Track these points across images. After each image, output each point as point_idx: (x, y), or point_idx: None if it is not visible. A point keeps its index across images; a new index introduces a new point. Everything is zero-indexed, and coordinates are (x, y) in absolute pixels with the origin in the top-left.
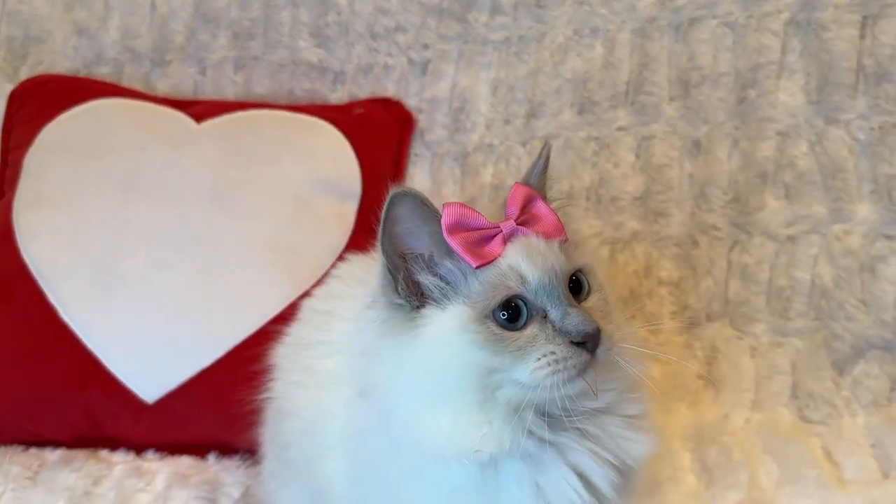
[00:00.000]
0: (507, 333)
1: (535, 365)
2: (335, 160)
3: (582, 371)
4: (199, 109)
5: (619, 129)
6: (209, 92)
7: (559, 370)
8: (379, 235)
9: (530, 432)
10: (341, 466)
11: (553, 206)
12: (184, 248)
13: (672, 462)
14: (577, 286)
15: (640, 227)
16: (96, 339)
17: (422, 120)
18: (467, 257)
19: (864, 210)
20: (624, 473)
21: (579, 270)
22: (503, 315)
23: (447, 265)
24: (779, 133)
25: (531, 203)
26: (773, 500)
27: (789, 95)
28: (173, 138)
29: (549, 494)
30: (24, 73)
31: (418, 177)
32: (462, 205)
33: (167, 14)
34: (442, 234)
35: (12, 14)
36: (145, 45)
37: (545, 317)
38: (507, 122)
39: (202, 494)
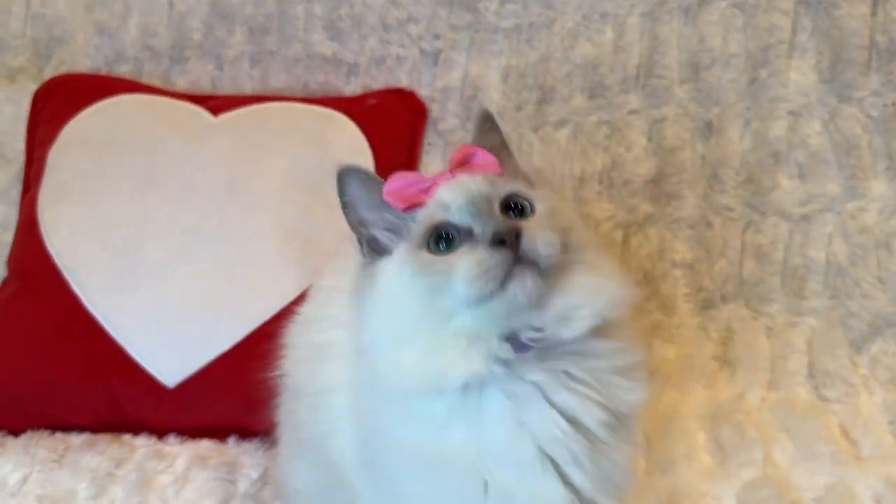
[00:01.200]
0: (438, 258)
1: (462, 274)
2: (349, 150)
3: (509, 270)
4: (217, 103)
5: (631, 112)
6: (227, 87)
7: (483, 273)
8: (341, 207)
9: (503, 361)
10: (350, 439)
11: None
12: (201, 237)
13: (686, 441)
14: (519, 212)
15: (653, 210)
16: (118, 326)
17: (434, 109)
18: (397, 203)
19: (879, 187)
20: (617, 417)
21: (515, 194)
22: (433, 242)
23: (391, 219)
24: (791, 112)
25: (472, 156)
26: (787, 476)
27: (801, 74)
28: (191, 132)
29: (533, 431)
30: (48, 74)
31: (432, 165)
32: (407, 172)
33: (185, 12)
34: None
35: (36, 17)
36: (164, 42)
37: (472, 234)
38: (518, 108)
39: (221, 475)
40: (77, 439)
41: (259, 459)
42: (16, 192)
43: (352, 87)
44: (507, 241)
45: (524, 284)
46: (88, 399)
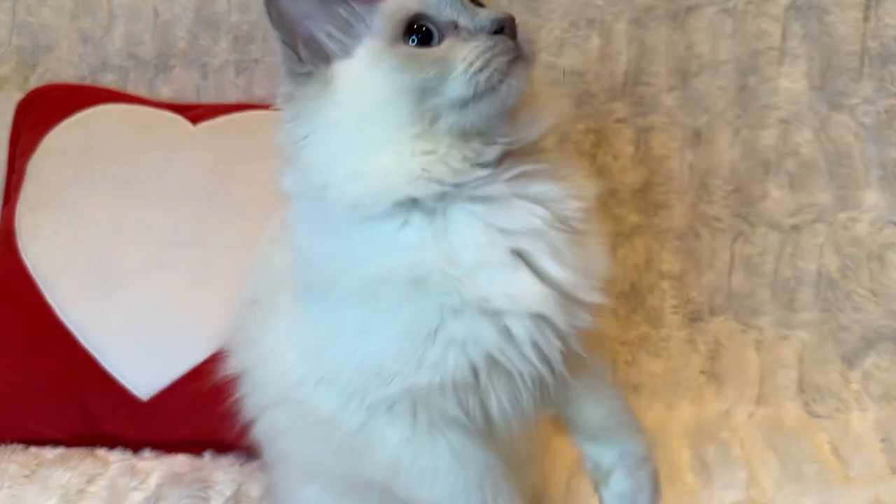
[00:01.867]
0: (424, 50)
1: (463, 66)
2: None
3: (513, 61)
4: (198, 112)
5: (618, 120)
6: (212, 96)
7: (489, 61)
8: (265, 9)
9: (483, 165)
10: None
11: None
12: (178, 246)
13: (670, 460)
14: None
15: (640, 220)
16: (92, 337)
17: None
18: None
19: (872, 197)
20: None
21: None
22: (414, 39)
23: (341, 13)
24: (781, 120)
25: None
26: (772, 499)
27: (791, 82)
28: (169, 140)
29: (510, 229)
30: (34, 82)
31: None
32: None
33: (169, 20)
34: None
35: (22, 25)
36: (149, 51)
37: (457, 27)
38: None
39: (194, 493)
40: (50, 454)
41: (233, 475)
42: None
43: None
44: (507, 31)
45: (520, 81)
46: (62, 412)
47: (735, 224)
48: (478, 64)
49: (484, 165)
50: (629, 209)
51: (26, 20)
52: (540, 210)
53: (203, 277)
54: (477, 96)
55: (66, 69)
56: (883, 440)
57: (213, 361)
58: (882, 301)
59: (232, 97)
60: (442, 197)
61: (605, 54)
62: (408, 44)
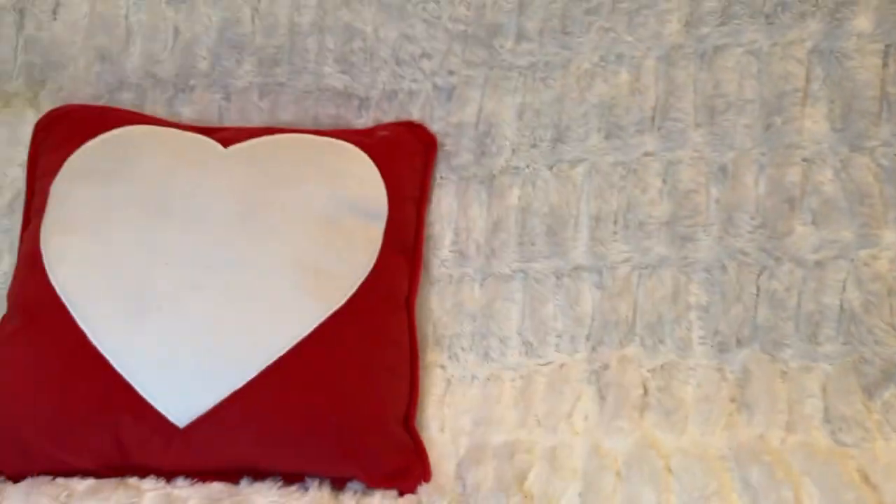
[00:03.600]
0: None
1: None
2: (361, 182)
3: None
4: (226, 135)
5: (646, 154)
6: (234, 118)
7: None
8: None
9: None
10: None
11: None
12: (213, 269)
13: (716, 479)
14: None
15: (667, 252)
16: (126, 362)
17: (448, 144)
18: None
19: (891, 235)
20: None
21: None
22: None
23: None
24: (805, 159)
25: None
26: None
27: (814, 122)
28: (200, 162)
29: None
30: (45, 98)
31: (445, 199)
32: None
33: (191, 39)
34: None
35: (29, 41)
36: (168, 70)
37: None
38: (533, 145)
39: None
40: (80, 485)
41: (273, 497)
42: (8, 222)
43: (363, 121)
44: None
45: None
46: (94, 440)
47: (761, 258)
48: None
49: None
50: (657, 241)
51: (35, 35)
52: None
53: (238, 300)
54: None
55: (80, 87)
56: None
57: (250, 387)
58: None
59: (255, 120)
60: None
61: (634, 89)
62: None
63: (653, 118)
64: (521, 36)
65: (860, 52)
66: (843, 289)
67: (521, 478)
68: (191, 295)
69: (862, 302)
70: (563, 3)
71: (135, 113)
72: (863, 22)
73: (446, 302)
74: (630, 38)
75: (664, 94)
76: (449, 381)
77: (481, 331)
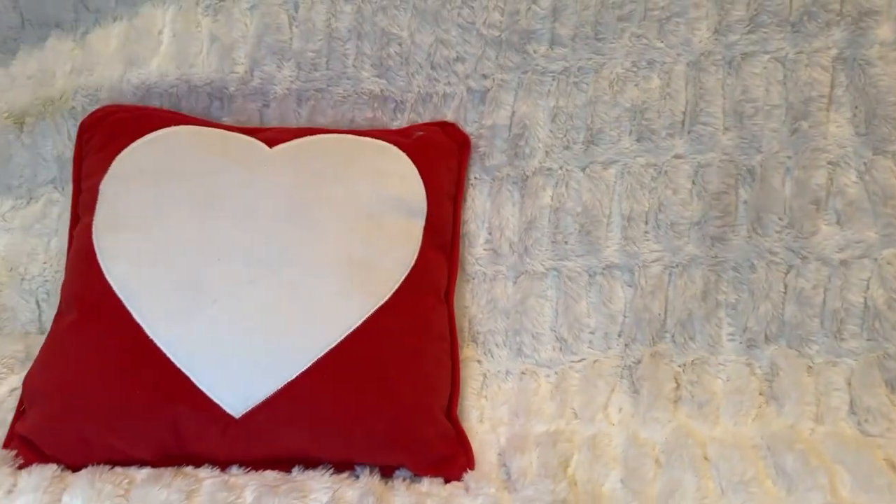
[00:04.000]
0: None
1: None
2: (402, 179)
3: None
4: (269, 135)
5: (677, 156)
6: (273, 124)
7: None
8: None
9: None
10: None
11: None
12: (264, 264)
13: (752, 465)
14: None
15: (698, 252)
16: (182, 354)
17: (481, 146)
18: None
19: None
20: None
21: None
22: None
23: None
24: (830, 162)
25: None
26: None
27: (838, 127)
28: (247, 161)
29: None
30: (79, 106)
31: (479, 199)
32: None
33: (228, 45)
34: None
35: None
36: (203, 77)
37: None
38: (566, 147)
39: (291, 501)
40: (139, 474)
41: (327, 483)
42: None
43: (398, 123)
44: None
45: None
46: (153, 430)
47: (788, 258)
48: None
49: None
50: (687, 241)
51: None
52: None
53: (290, 294)
54: None
55: (114, 97)
56: None
57: (303, 378)
58: None
59: (294, 125)
60: None
61: (665, 93)
62: None
63: (683, 122)
64: (554, 41)
65: (883, 60)
66: (867, 287)
67: (565, 465)
68: (244, 289)
69: (885, 300)
70: (595, 10)
71: (177, 113)
72: (885, 31)
73: (481, 299)
74: (661, 45)
75: (694, 99)
76: (485, 375)
77: (514, 327)
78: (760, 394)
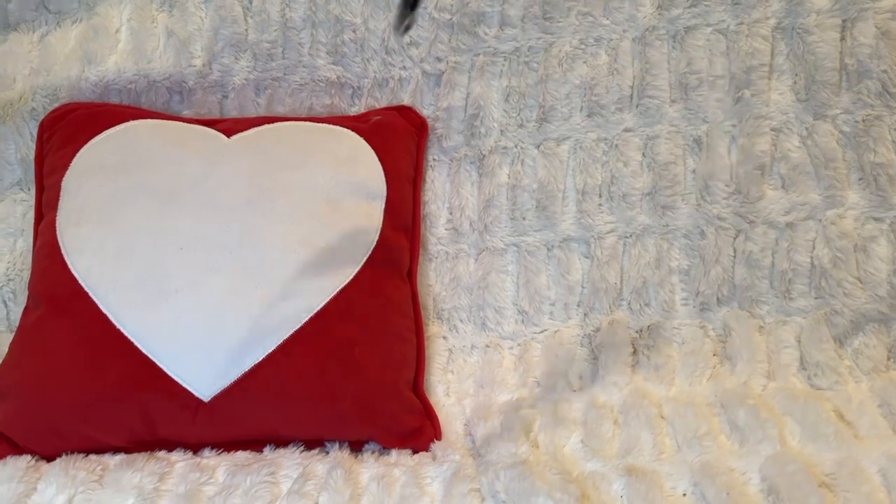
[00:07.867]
0: None
1: None
2: (360, 164)
3: None
4: (227, 126)
5: (626, 130)
6: (232, 115)
7: None
8: None
9: None
10: None
11: None
12: (227, 251)
13: (706, 422)
14: None
15: (650, 221)
16: (150, 343)
17: (438, 128)
18: None
19: (854, 196)
20: None
21: None
22: None
23: None
24: (773, 129)
25: None
26: (800, 452)
27: (780, 94)
28: (206, 152)
29: None
30: (39, 107)
31: (438, 180)
32: None
33: (185, 39)
34: None
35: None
36: (162, 72)
37: None
38: (520, 126)
39: (263, 478)
40: (112, 460)
41: (297, 459)
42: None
43: (356, 109)
44: None
45: None
46: (124, 417)
47: (736, 223)
48: None
49: None
50: (639, 211)
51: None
52: None
53: (253, 279)
54: None
55: (73, 95)
56: (879, 406)
57: (270, 359)
58: (868, 287)
59: (253, 115)
60: None
61: (612, 69)
62: None
63: (631, 96)
64: (504, 22)
65: (820, 28)
66: (813, 247)
67: (527, 430)
68: (207, 277)
69: (831, 258)
70: None
71: (136, 108)
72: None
73: (444, 277)
74: (607, 22)
75: (641, 74)
76: (451, 351)
77: (478, 303)
78: (714, 354)
